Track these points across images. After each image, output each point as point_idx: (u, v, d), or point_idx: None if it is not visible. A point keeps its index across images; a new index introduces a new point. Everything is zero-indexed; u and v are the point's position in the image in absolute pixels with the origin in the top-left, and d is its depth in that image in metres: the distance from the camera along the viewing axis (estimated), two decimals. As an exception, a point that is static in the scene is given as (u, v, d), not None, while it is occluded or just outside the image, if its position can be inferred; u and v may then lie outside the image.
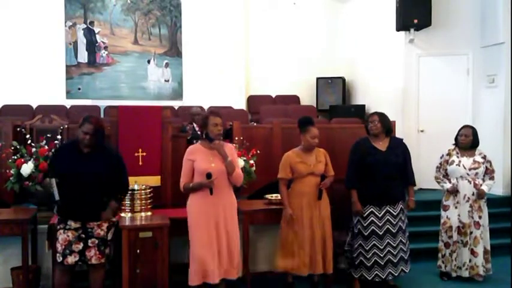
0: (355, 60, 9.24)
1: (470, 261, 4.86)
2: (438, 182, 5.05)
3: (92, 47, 8.65)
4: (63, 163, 3.71)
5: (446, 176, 4.99)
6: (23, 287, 4.13)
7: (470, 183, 4.86)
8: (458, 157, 4.93)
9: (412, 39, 7.53)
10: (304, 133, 4.41)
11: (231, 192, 4.04)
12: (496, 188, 6.83)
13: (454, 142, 5.05)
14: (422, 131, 7.55)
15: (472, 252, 4.86)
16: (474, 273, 4.86)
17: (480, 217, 4.88)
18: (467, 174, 4.87)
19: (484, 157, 4.96)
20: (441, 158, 5.05)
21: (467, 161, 4.90)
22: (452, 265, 4.89)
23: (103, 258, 3.79)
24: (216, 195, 3.87)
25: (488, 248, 4.95)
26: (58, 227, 3.75)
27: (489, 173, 4.96)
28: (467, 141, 4.92)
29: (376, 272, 4.44)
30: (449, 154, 5.00)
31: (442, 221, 4.99)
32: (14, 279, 4.24)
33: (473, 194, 4.86)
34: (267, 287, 4.66)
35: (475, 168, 4.87)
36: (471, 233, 4.85)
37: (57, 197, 3.60)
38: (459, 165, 4.89)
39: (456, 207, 4.89)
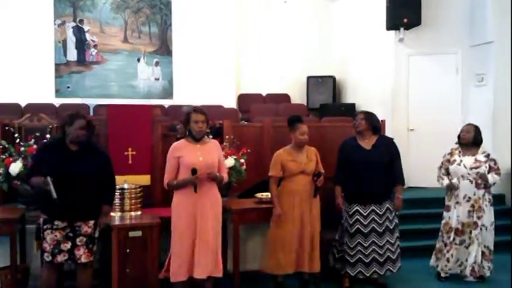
0: (346, 59, 9.25)
1: (466, 260, 4.82)
2: (438, 181, 4.97)
3: (82, 45, 8.58)
4: (52, 163, 3.63)
5: (447, 175, 4.90)
6: (12, 287, 4.10)
7: (472, 183, 4.78)
8: (460, 156, 4.85)
9: (402, 38, 7.57)
10: (294, 131, 4.42)
11: (215, 189, 3.98)
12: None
13: (457, 141, 4.97)
14: (412, 129, 7.59)
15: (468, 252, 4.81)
16: (465, 273, 4.82)
17: (479, 217, 4.77)
18: (468, 174, 4.78)
19: (488, 155, 4.84)
20: (443, 157, 4.98)
21: (468, 160, 4.80)
22: (443, 265, 4.85)
23: (92, 256, 3.77)
24: (201, 192, 3.81)
25: (491, 247, 4.86)
26: (45, 226, 3.69)
27: (493, 170, 4.81)
28: (468, 136, 4.84)
29: (360, 269, 4.47)
30: (451, 153, 4.93)
31: (443, 221, 4.93)
32: (2, 279, 4.20)
33: (474, 194, 4.77)
34: (257, 286, 4.66)
35: (476, 168, 4.76)
36: (470, 232, 4.78)
37: (54, 196, 3.43)
38: (460, 165, 4.81)
39: (455, 208, 4.82)
